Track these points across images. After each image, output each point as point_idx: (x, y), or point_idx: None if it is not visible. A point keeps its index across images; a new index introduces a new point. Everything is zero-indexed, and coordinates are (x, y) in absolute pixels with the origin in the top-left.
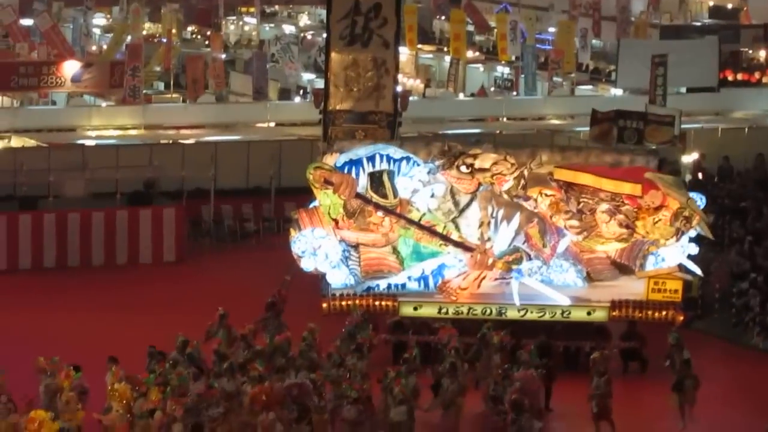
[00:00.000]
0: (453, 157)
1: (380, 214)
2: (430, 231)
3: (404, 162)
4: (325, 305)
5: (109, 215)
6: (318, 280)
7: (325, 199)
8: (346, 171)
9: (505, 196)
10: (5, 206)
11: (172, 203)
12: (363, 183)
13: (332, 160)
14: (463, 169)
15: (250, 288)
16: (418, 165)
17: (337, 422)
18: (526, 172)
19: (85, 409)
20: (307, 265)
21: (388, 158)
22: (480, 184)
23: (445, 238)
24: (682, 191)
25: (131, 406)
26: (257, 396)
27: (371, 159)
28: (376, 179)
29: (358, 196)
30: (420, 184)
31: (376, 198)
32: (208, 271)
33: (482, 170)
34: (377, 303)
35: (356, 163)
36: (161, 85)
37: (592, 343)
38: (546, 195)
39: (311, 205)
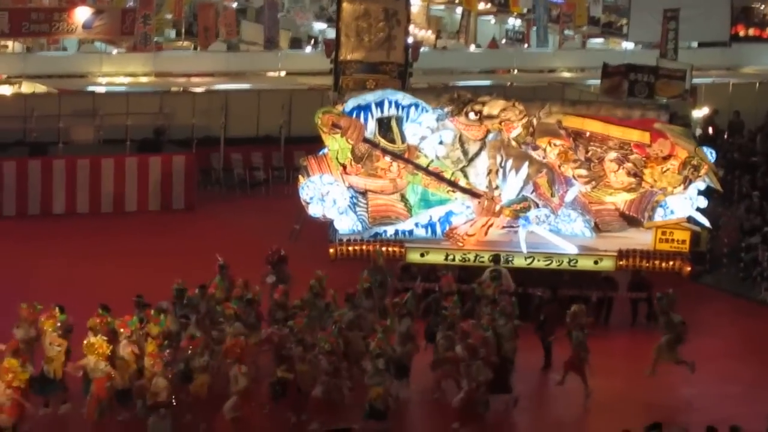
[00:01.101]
0: (462, 104)
1: (388, 159)
2: (438, 176)
3: (413, 108)
4: (332, 251)
5: (118, 162)
6: (326, 229)
7: (333, 144)
8: (354, 116)
9: (514, 143)
10: (15, 152)
11: (181, 151)
12: (371, 128)
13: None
14: (472, 116)
15: (258, 237)
16: (427, 111)
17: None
18: (534, 121)
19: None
20: (314, 210)
21: (397, 104)
22: (488, 131)
23: (453, 184)
24: (690, 140)
25: (107, 357)
26: (231, 348)
27: (380, 104)
28: (384, 124)
29: (366, 140)
30: (428, 130)
31: (383, 143)
32: (216, 219)
33: (490, 117)
34: (384, 249)
35: (365, 108)
36: (172, 33)
37: (599, 293)
38: (555, 145)
39: (320, 153)
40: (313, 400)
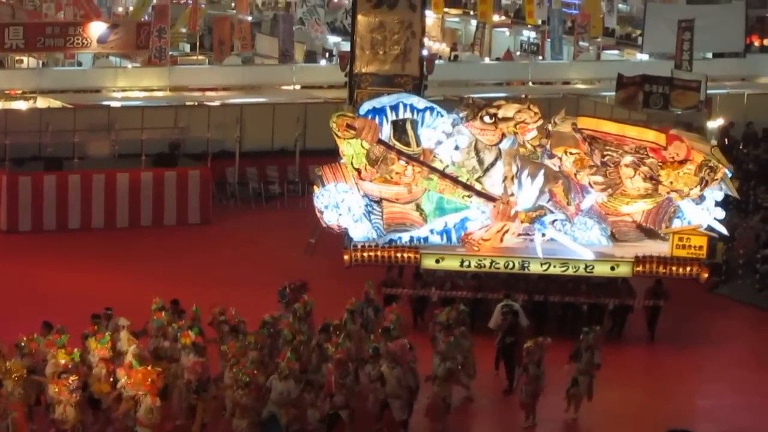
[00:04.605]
0: (477, 108)
1: (403, 162)
2: (453, 179)
3: (428, 112)
4: (347, 257)
5: (134, 176)
6: (342, 243)
7: (348, 149)
8: (368, 118)
9: (530, 146)
10: (30, 166)
11: (197, 165)
12: (386, 132)
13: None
14: (487, 119)
15: (274, 250)
16: (442, 116)
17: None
18: (550, 127)
19: None
20: (329, 218)
21: (412, 108)
22: (503, 135)
23: (468, 188)
24: (705, 142)
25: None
26: (141, 380)
27: (395, 108)
28: (399, 127)
29: (381, 141)
30: (444, 135)
31: (398, 146)
32: (232, 233)
33: (506, 119)
34: (399, 255)
35: (379, 111)
36: (187, 47)
37: (615, 301)
38: (571, 153)
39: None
40: None
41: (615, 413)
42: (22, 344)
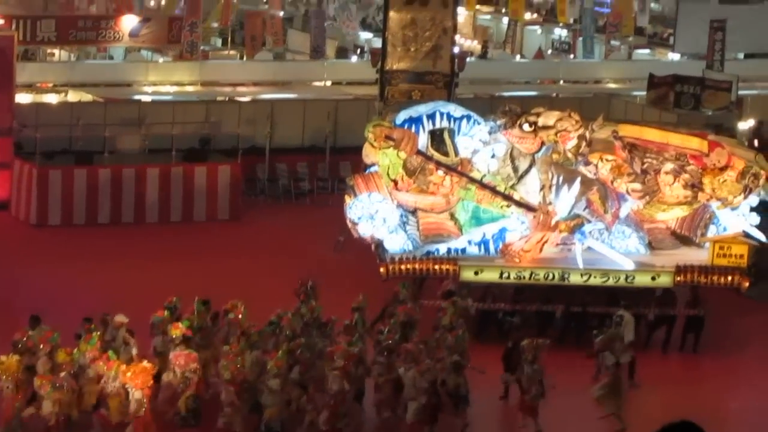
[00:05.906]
0: (515, 116)
1: (441, 173)
2: (493, 189)
3: (465, 120)
4: (383, 270)
5: (164, 171)
6: (370, 242)
7: (383, 160)
8: (406, 128)
9: (570, 155)
10: (61, 160)
11: (227, 161)
12: (423, 141)
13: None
14: (526, 127)
15: (303, 247)
16: (479, 123)
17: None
18: (588, 134)
19: None
20: (364, 230)
21: (449, 116)
22: (543, 143)
23: (507, 198)
24: (747, 149)
25: (17, 378)
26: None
27: (431, 117)
28: (436, 137)
29: (420, 152)
30: (480, 144)
31: (437, 156)
32: (261, 229)
33: (546, 128)
34: (437, 267)
35: (416, 120)
36: (219, 42)
37: (656, 310)
38: (607, 160)
39: (368, 171)
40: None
41: (644, 415)
42: (20, 345)
